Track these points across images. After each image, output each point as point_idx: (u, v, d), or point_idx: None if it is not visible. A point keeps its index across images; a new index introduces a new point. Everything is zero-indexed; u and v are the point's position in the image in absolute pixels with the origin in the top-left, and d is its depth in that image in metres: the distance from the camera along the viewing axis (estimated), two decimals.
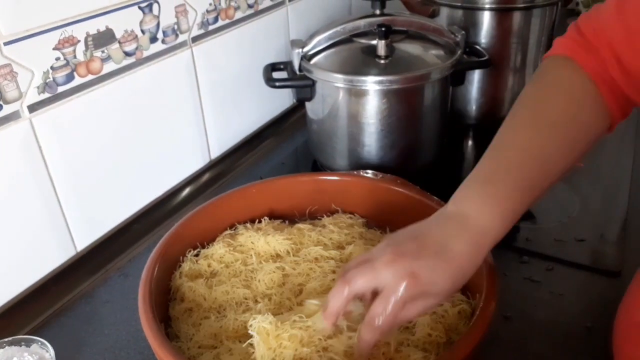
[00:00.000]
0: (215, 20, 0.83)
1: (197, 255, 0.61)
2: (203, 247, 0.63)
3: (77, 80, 0.63)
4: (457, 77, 0.80)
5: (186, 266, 0.59)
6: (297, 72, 0.79)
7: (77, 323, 0.61)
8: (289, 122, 1.04)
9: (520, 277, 0.63)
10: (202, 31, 0.81)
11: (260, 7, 0.91)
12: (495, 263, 0.50)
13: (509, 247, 0.67)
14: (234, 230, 0.65)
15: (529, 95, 0.52)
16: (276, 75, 0.82)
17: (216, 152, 0.89)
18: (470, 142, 0.96)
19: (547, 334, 0.56)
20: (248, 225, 0.65)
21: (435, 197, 0.61)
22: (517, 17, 0.87)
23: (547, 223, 0.71)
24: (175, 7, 0.75)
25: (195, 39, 0.80)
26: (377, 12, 0.80)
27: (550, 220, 0.72)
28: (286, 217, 0.68)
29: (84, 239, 0.69)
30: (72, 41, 0.62)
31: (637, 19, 0.47)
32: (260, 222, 0.65)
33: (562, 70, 0.52)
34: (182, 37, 0.77)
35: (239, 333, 0.50)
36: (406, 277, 0.41)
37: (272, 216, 0.67)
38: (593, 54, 0.50)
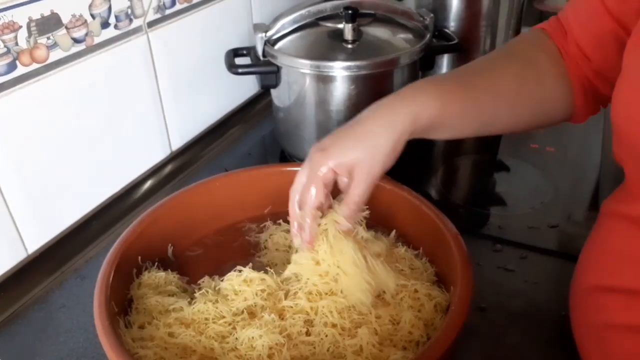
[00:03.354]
0: (173, 3, 0.78)
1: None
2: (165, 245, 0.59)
3: (21, 70, 0.59)
4: (426, 61, 0.78)
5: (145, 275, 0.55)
6: (261, 58, 0.76)
7: (29, 331, 0.57)
8: (255, 109, 1.00)
9: (494, 267, 0.62)
10: (158, 15, 0.76)
11: None
12: (469, 252, 0.49)
13: (481, 236, 0.66)
14: None
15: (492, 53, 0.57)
16: (239, 61, 0.78)
17: (177, 143, 0.84)
18: None
19: (523, 324, 0.55)
20: None
21: (405, 187, 0.60)
22: None
23: (519, 210, 0.70)
24: None
25: (152, 24, 0.75)
26: None
27: (522, 207, 0.71)
28: (253, 212, 0.65)
29: (36, 240, 0.65)
30: (12, 27, 0.57)
31: None
32: None
33: (533, 35, 0.56)
34: (136, 22, 0.72)
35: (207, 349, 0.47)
36: (317, 152, 0.50)
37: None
38: (564, 35, 0.54)
